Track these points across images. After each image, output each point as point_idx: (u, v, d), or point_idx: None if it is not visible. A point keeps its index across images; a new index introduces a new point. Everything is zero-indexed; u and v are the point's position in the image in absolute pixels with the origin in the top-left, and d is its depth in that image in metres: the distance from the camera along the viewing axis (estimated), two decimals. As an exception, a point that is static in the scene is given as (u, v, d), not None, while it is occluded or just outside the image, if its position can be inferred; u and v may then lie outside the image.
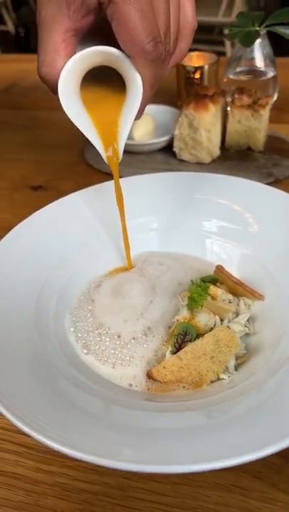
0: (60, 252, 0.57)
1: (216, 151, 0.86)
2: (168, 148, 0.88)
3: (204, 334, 0.46)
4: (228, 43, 3.19)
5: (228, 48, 3.18)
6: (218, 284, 0.52)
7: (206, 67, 0.95)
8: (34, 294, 0.52)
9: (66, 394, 0.41)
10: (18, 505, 0.41)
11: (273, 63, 0.94)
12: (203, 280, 0.51)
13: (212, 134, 0.83)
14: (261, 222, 0.58)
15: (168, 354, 0.47)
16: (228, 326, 0.48)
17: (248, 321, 0.50)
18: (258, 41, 0.90)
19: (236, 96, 0.84)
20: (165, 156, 0.89)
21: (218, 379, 0.45)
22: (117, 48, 0.40)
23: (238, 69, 0.95)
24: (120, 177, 0.53)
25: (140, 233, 0.61)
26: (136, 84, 0.41)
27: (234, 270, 0.55)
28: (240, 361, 0.47)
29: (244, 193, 0.61)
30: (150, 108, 0.93)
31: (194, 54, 1.00)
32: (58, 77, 0.41)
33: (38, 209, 0.60)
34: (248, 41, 0.84)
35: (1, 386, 0.38)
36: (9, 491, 0.41)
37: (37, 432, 0.33)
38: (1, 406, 0.36)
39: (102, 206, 0.61)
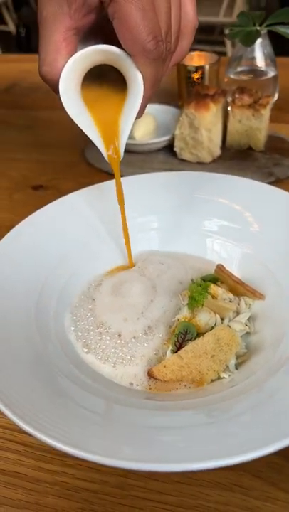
0: (61, 251, 0.57)
1: (217, 151, 0.86)
2: (169, 148, 0.88)
3: (205, 333, 0.46)
4: (228, 43, 3.18)
5: (228, 48, 3.18)
6: (218, 283, 0.52)
7: (207, 66, 0.95)
8: (35, 293, 0.52)
9: (67, 393, 0.41)
10: (18, 504, 0.41)
11: (274, 63, 0.94)
12: (204, 279, 0.52)
13: (213, 133, 0.83)
14: (262, 222, 0.58)
15: (168, 353, 0.47)
16: (228, 325, 0.48)
17: (248, 320, 0.50)
18: (258, 41, 0.90)
19: (237, 96, 0.84)
20: (166, 155, 0.89)
21: (219, 378, 0.45)
22: (118, 47, 0.40)
23: (239, 69, 0.95)
24: (121, 176, 0.53)
25: (141, 232, 0.61)
26: (137, 83, 0.41)
27: (235, 269, 0.55)
28: (241, 360, 0.47)
29: (245, 193, 0.61)
30: (151, 108, 0.93)
31: (195, 54, 1.00)
32: (59, 76, 0.41)
33: (39, 208, 0.60)
34: (249, 41, 0.84)
35: (2, 385, 0.38)
36: (10, 490, 0.42)
37: (38, 431, 0.33)
38: (2, 405, 0.36)
39: (103, 205, 0.61)
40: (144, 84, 0.41)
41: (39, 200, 0.70)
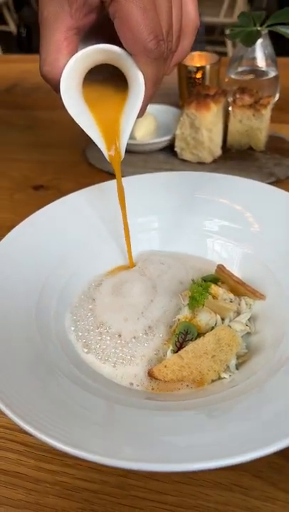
0: (61, 251, 0.57)
1: (218, 151, 0.86)
2: (169, 148, 0.89)
3: (205, 333, 0.46)
4: (229, 43, 3.19)
5: (229, 48, 3.18)
6: (219, 283, 0.52)
7: (208, 67, 0.96)
8: (35, 293, 0.52)
9: (67, 393, 0.41)
10: (19, 504, 0.41)
11: (275, 63, 0.94)
12: (205, 279, 0.51)
13: (213, 133, 0.83)
14: (262, 222, 0.58)
15: (169, 353, 0.47)
16: (229, 325, 0.48)
17: (249, 320, 0.50)
18: (259, 41, 0.90)
19: (238, 96, 0.84)
20: (166, 155, 0.89)
21: (219, 378, 0.45)
22: (120, 46, 0.40)
23: (240, 69, 0.95)
24: (122, 176, 0.53)
25: (141, 233, 0.61)
26: (138, 83, 0.41)
27: (235, 269, 0.55)
28: (241, 360, 0.47)
29: (245, 193, 0.61)
30: (152, 108, 0.93)
31: (196, 54, 1.00)
32: (60, 75, 0.41)
33: (40, 208, 0.60)
34: (250, 41, 0.84)
35: (2, 385, 0.38)
36: (10, 490, 0.42)
37: (38, 431, 0.33)
38: (3, 404, 0.36)
39: (103, 205, 0.61)
40: (145, 83, 0.41)
41: (40, 200, 0.70)
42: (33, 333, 0.47)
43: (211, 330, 0.47)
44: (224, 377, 0.45)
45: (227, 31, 0.87)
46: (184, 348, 0.46)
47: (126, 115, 0.46)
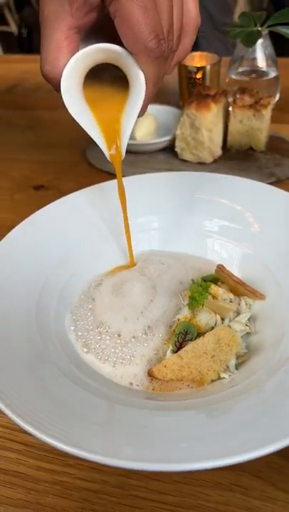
0: (61, 251, 0.57)
1: (218, 151, 0.86)
2: (170, 148, 0.89)
3: (205, 333, 0.46)
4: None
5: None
6: (219, 283, 0.52)
7: (208, 67, 0.96)
8: (35, 293, 0.52)
9: (67, 393, 0.41)
10: (18, 503, 0.41)
11: (275, 63, 0.94)
12: (205, 279, 0.51)
13: (214, 133, 0.83)
14: (262, 222, 0.58)
15: (169, 353, 0.47)
16: (229, 325, 0.48)
17: (248, 320, 0.50)
18: (259, 41, 0.90)
19: (238, 96, 0.84)
20: (167, 155, 0.89)
21: (219, 378, 0.45)
22: (120, 46, 0.40)
23: (240, 69, 0.95)
24: (122, 176, 0.53)
25: (141, 233, 0.61)
26: (139, 82, 0.41)
27: (235, 269, 0.55)
28: (241, 360, 0.47)
29: (245, 193, 0.61)
30: (152, 108, 0.93)
31: (196, 54, 1.00)
32: (61, 74, 0.41)
33: (40, 208, 0.60)
34: (250, 41, 0.84)
35: (2, 385, 0.38)
36: (10, 489, 0.42)
37: (38, 431, 0.33)
38: (3, 404, 0.36)
39: (104, 205, 0.61)
40: (146, 82, 0.41)
41: (40, 200, 0.70)
42: (33, 333, 0.47)
43: (211, 330, 0.47)
44: (224, 377, 0.45)
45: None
46: (184, 348, 0.46)
47: (127, 114, 0.46)
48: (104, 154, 0.49)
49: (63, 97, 0.43)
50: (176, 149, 0.86)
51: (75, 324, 0.52)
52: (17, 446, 0.45)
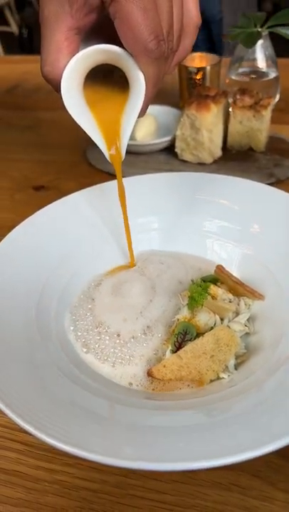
0: (62, 251, 0.57)
1: (218, 152, 0.86)
2: (170, 149, 0.89)
3: (204, 333, 0.46)
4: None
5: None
6: (218, 283, 0.52)
7: (208, 68, 0.96)
8: (36, 293, 0.52)
9: (67, 393, 0.41)
10: (18, 503, 0.41)
11: (275, 64, 0.94)
12: (204, 280, 0.52)
13: (214, 134, 0.83)
14: (262, 223, 0.58)
15: (168, 353, 0.47)
16: (228, 326, 0.48)
17: (248, 320, 0.50)
18: (259, 42, 0.90)
19: (238, 97, 0.84)
20: (167, 156, 0.89)
21: (218, 378, 0.45)
22: (120, 47, 0.40)
23: (240, 70, 0.96)
24: (122, 177, 0.53)
25: (141, 233, 0.61)
26: (139, 83, 0.41)
27: (234, 270, 0.56)
28: (240, 360, 0.47)
29: (245, 194, 0.61)
30: (152, 109, 0.93)
31: (196, 55, 1.00)
32: (61, 75, 0.41)
33: (40, 208, 0.60)
34: (250, 42, 0.84)
35: (2, 384, 0.38)
36: (10, 489, 0.42)
37: (38, 430, 0.34)
38: (3, 404, 0.36)
39: (104, 206, 0.62)
40: (146, 83, 0.41)
41: (40, 200, 0.70)
42: (33, 333, 0.47)
43: (210, 330, 0.47)
44: (223, 377, 0.45)
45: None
46: (183, 348, 0.46)
47: (127, 115, 0.46)
48: (104, 155, 0.49)
49: (63, 97, 0.43)
50: (176, 150, 0.86)
51: (75, 324, 0.52)
52: (17, 446, 0.45)
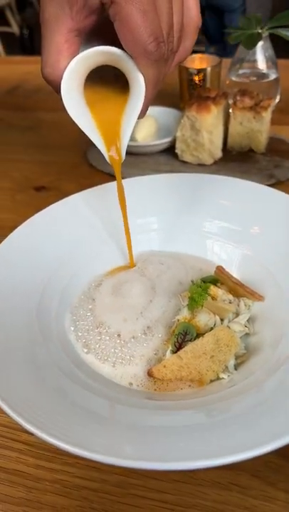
0: (62, 252, 0.57)
1: (218, 153, 0.87)
2: (170, 150, 0.89)
3: (204, 334, 0.46)
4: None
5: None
6: (218, 284, 0.53)
7: (209, 69, 0.96)
8: (36, 294, 0.52)
9: (67, 393, 0.42)
10: (19, 502, 0.41)
11: (275, 65, 0.94)
12: (204, 280, 0.52)
13: (214, 135, 0.83)
14: (262, 224, 0.58)
15: (168, 353, 0.47)
16: (228, 326, 0.48)
17: (247, 321, 0.50)
18: (260, 43, 0.90)
19: (238, 98, 0.84)
20: (167, 157, 0.89)
21: (218, 378, 0.45)
22: (120, 48, 0.40)
23: (241, 71, 0.96)
24: (122, 178, 0.53)
25: (141, 234, 0.61)
26: (139, 84, 0.42)
27: (234, 271, 0.56)
28: (240, 361, 0.47)
29: (245, 195, 0.61)
30: (153, 110, 0.94)
31: (197, 56, 1.01)
32: (61, 77, 0.41)
33: (41, 209, 0.60)
34: (251, 43, 0.85)
35: (3, 384, 0.39)
36: (10, 488, 0.42)
37: (39, 430, 0.34)
38: (4, 403, 0.36)
39: (104, 207, 0.62)
40: (146, 85, 0.41)
41: (41, 201, 0.70)
42: (34, 333, 0.47)
43: (210, 330, 0.47)
44: (223, 378, 0.45)
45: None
46: (183, 349, 0.46)
47: (127, 116, 0.46)
48: (104, 156, 0.50)
49: (63, 98, 0.43)
50: (176, 151, 0.87)
51: (75, 325, 0.52)
52: (17, 445, 0.45)
